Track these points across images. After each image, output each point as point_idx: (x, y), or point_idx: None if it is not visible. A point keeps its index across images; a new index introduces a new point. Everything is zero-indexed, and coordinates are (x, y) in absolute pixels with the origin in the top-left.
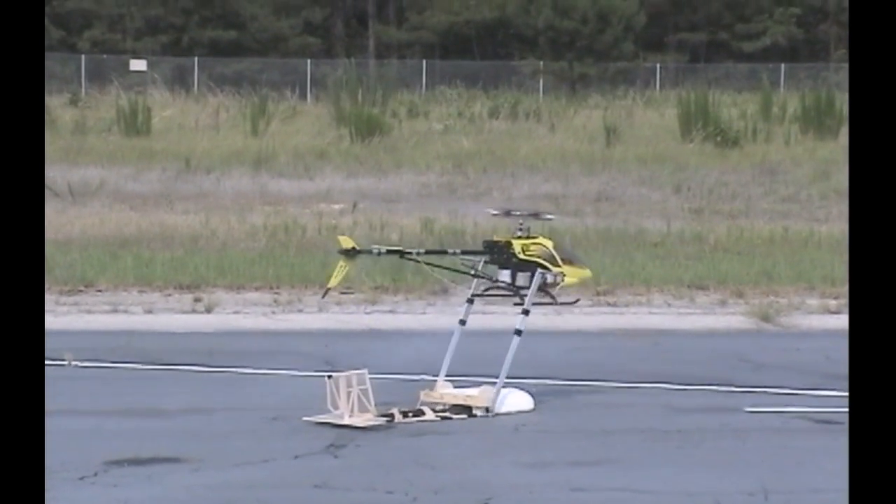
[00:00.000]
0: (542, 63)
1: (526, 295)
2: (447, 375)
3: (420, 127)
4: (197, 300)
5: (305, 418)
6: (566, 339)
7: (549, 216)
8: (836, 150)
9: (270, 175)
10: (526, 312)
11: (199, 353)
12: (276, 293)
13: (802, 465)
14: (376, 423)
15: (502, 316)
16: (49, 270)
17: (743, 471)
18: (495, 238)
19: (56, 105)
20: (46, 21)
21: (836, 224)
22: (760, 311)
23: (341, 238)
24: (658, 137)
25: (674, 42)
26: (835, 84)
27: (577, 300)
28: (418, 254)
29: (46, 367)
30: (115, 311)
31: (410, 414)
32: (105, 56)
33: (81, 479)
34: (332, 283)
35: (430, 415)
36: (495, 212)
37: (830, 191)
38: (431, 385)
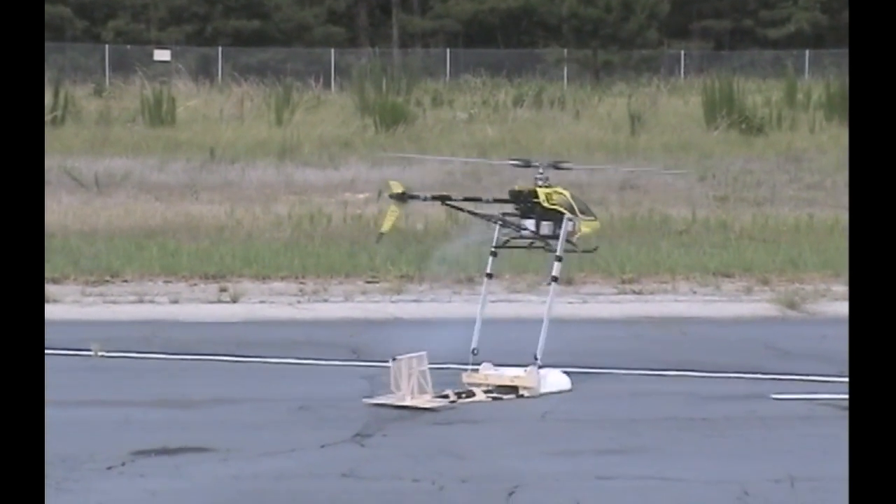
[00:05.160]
0: (566, 51)
1: (548, 243)
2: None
3: (444, 116)
4: (223, 290)
5: (365, 400)
6: (592, 328)
7: (567, 165)
8: None
9: (295, 165)
10: (559, 259)
11: (225, 344)
12: (301, 283)
13: (829, 452)
14: (435, 404)
15: (528, 304)
16: (74, 261)
17: (769, 458)
18: (518, 187)
19: (80, 96)
20: (70, 12)
21: None
22: (786, 298)
23: (392, 183)
24: (683, 125)
25: (698, 29)
26: None
27: (597, 248)
28: (458, 200)
29: (73, 358)
30: (140, 301)
31: (463, 395)
32: (129, 46)
33: (109, 469)
34: (385, 227)
35: (480, 395)
36: (515, 161)
37: None
38: (476, 367)
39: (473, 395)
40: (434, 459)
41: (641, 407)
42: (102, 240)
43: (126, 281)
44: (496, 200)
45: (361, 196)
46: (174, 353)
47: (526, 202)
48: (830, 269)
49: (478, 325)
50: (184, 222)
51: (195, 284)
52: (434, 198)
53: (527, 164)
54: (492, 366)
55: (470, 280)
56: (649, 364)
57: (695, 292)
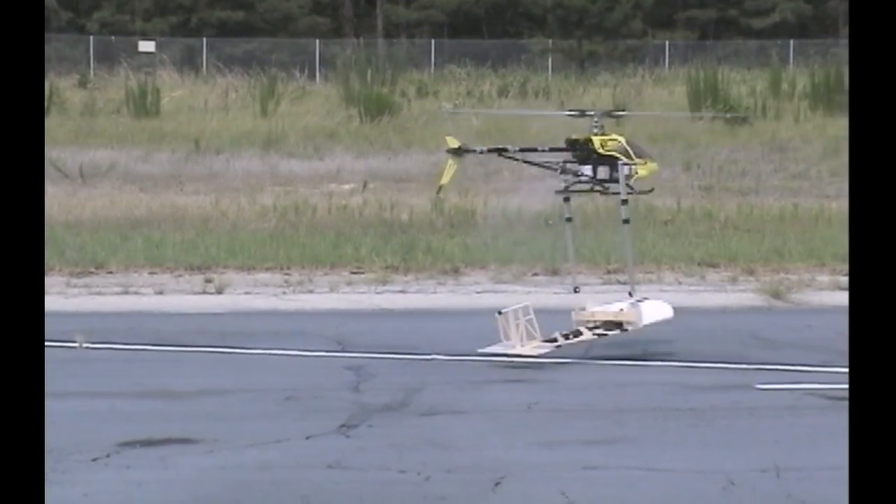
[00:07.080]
0: (550, 41)
1: (606, 187)
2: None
3: (429, 106)
4: (208, 281)
5: (480, 350)
6: None
7: (619, 112)
8: (846, 126)
9: (280, 155)
10: (625, 202)
11: (210, 335)
12: (286, 274)
13: (815, 442)
14: (543, 349)
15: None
16: (59, 252)
17: (755, 448)
18: (575, 136)
19: (65, 87)
20: (55, 3)
21: (845, 201)
22: (771, 288)
23: (448, 138)
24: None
25: (683, 19)
26: (844, 60)
27: (652, 189)
28: (514, 151)
29: (58, 350)
30: (125, 292)
31: (571, 335)
32: (113, 37)
33: (94, 460)
34: (444, 180)
35: (587, 334)
36: (571, 112)
37: (840, 167)
38: (583, 305)
39: (581, 334)
40: (420, 450)
41: (627, 397)
42: (87, 231)
43: (111, 272)
44: (552, 150)
45: (346, 187)
46: (159, 344)
47: (582, 150)
48: (815, 259)
49: (572, 265)
50: (169, 213)
51: (180, 275)
52: (490, 150)
53: (582, 114)
54: (598, 303)
55: (455, 271)
56: (634, 354)
57: (680, 282)
